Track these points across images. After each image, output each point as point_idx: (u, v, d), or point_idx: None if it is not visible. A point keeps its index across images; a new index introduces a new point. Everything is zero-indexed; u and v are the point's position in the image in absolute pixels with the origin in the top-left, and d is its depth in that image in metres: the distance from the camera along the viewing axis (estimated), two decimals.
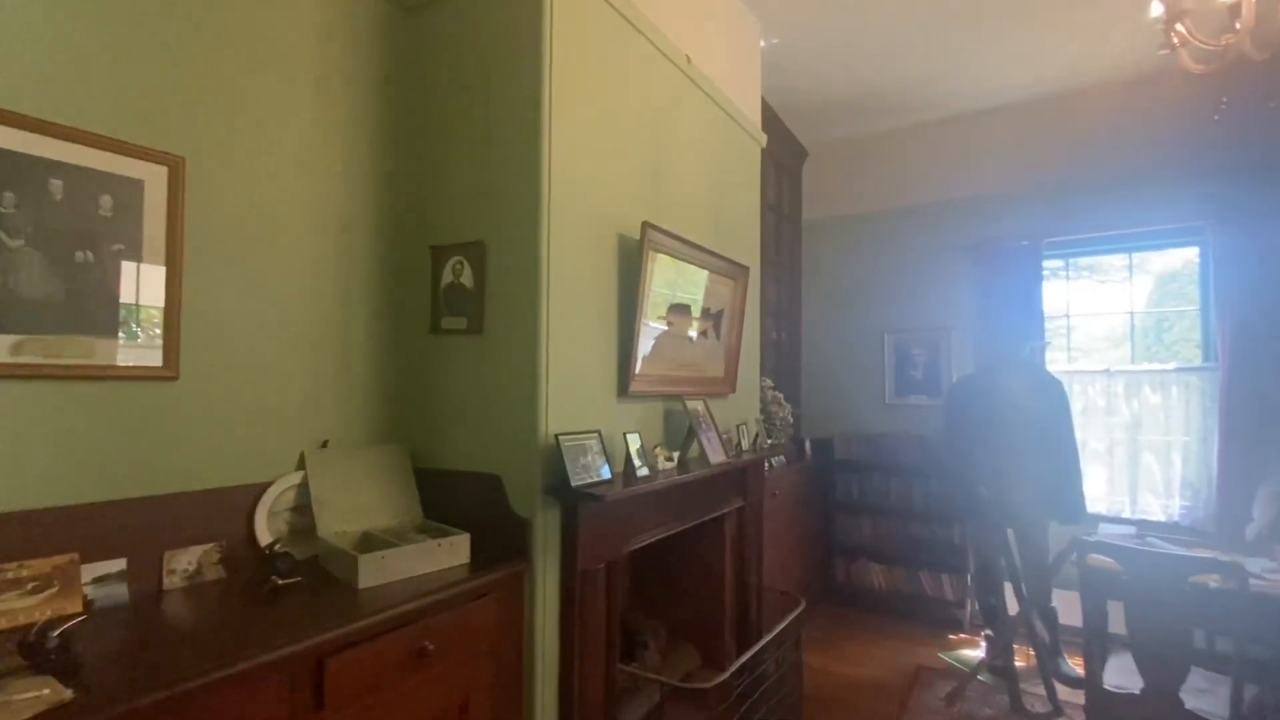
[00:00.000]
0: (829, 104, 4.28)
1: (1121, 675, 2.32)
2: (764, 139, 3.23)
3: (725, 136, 2.88)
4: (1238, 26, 1.57)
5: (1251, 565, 2.81)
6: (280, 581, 1.50)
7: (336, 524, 1.76)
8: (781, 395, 3.56)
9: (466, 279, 1.88)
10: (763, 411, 3.38)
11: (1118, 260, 4.10)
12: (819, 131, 4.72)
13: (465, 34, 1.98)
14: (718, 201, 2.80)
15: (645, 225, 2.01)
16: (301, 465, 1.78)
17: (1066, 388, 3.41)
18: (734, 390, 2.85)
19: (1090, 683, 2.36)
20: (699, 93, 2.61)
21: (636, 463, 1.93)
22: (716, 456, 2.32)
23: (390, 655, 1.41)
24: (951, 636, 3.94)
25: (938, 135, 4.52)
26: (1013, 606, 3.32)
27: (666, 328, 2.36)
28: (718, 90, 2.75)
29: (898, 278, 4.65)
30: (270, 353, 1.75)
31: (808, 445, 4.60)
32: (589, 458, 1.79)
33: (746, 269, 2.77)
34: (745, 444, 2.86)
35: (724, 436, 2.58)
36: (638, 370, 2.17)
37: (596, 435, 1.86)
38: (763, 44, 3.31)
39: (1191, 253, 3.84)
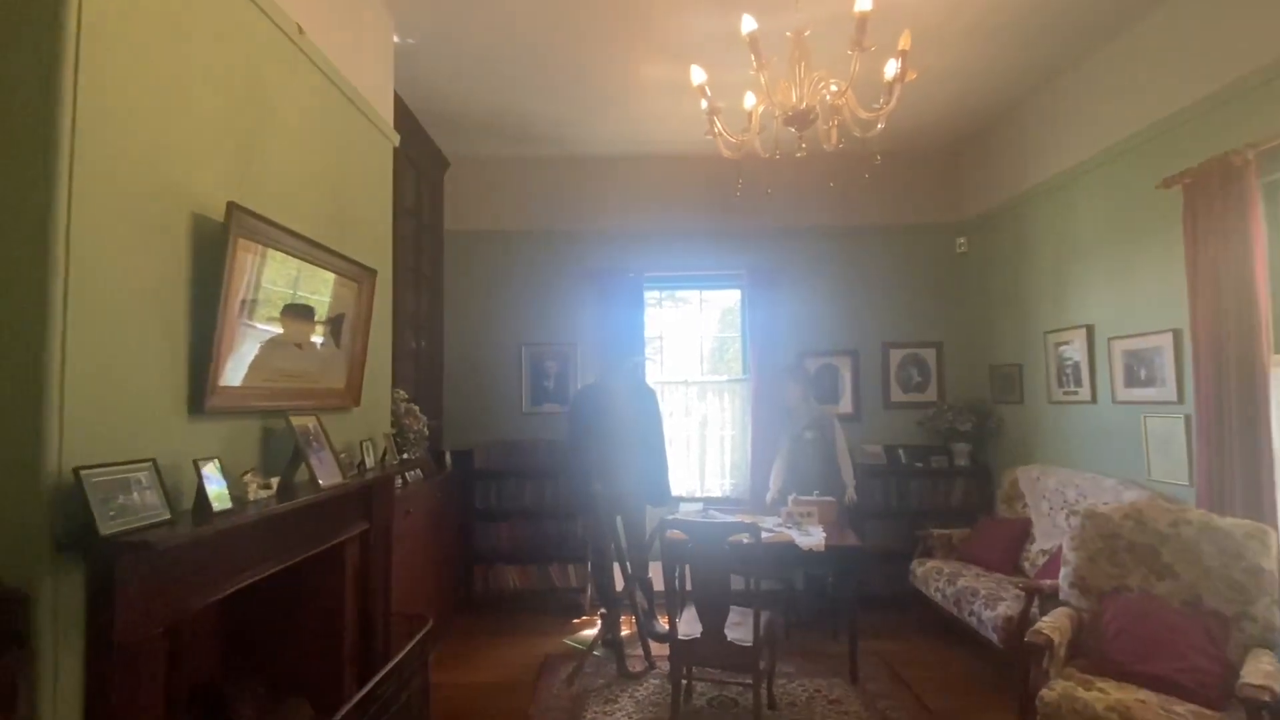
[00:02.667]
0: (471, 119, 4.34)
1: (690, 624, 2.89)
2: (397, 138, 3.08)
3: (349, 127, 2.64)
4: (755, 130, 2.19)
5: (767, 523, 3.85)
6: None
7: None
8: (417, 407, 3.42)
9: None
10: (395, 425, 3.20)
11: (695, 294, 5.22)
12: (462, 144, 4.75)
13: None
14: (339, 196, 2.55)
15: (232, 207, 1.69)
16: None
17: (659, 395, 4.16)
18: (358, 404, 2.62)
19: (671, 635, 2.89)
20: (315, 71, 2.33)
21: (214, 495, 1.59)
22: (330, 478, 2.08)
23: None
24: (575, 621, 4.35)
25: (570, 170, 5.03)
26: (620, 584, 3.85)
27: (279, 332, 2.04)
28: (340, 75, 2.51)
29: (533, 295, 4.99)
30: None
31: (448, 457, 4.54)
32: (136, 495, 1.39)
33: (374, 272, 2.58)
34: (371, 461, 2.65)
35: (343, 455, 2.34)
36: (223, 381, 1.80)
37: (150, 465, 1.46)
38: (397, 40, 3.17)
39: (737, 294, 5.12)
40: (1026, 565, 3.70)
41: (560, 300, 4.98)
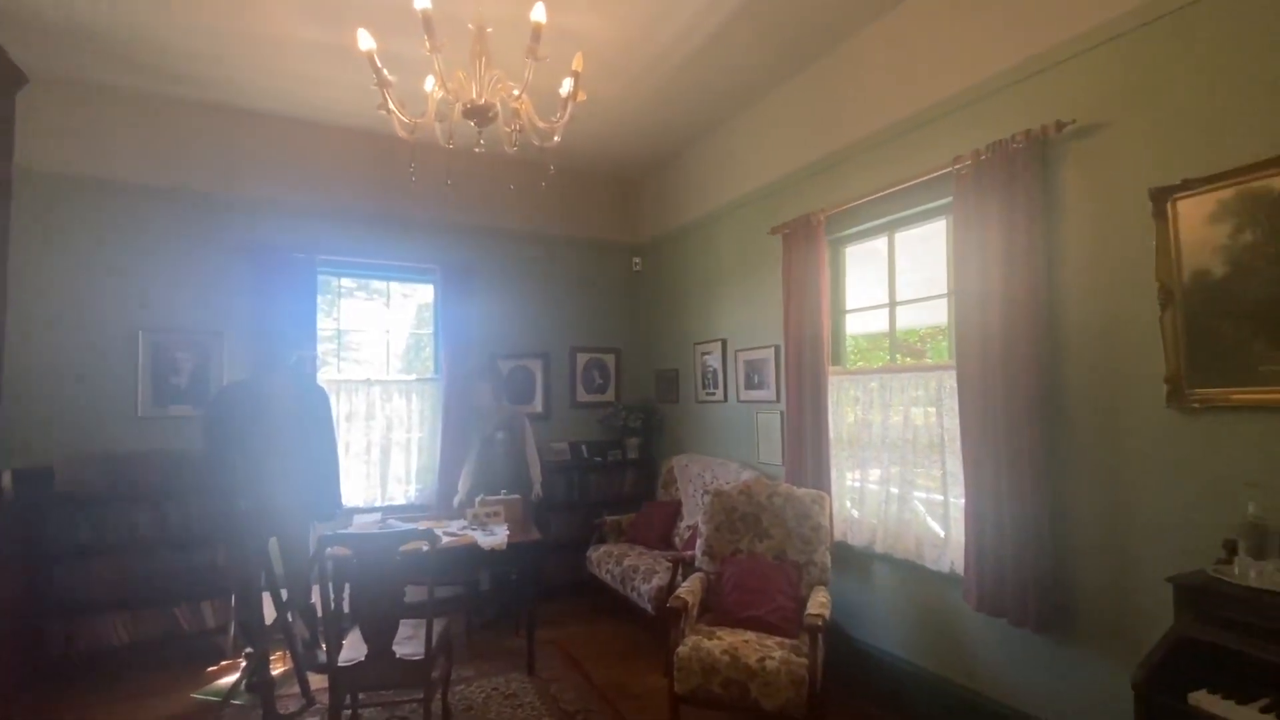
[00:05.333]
0: (70, 29, 3.27)
1: (353, 649, 2.63)
2: None
3: None
4: (432, 116, 2.12)
5: (451, 526, 3.76)
6: None
7: None
8: None
9: None
10: None
11: (392, 286, 4.82)
12: (53, 58, 3.55)
13: None
14: None
15: None
16: None
17: (332, 396, 3.72)
18: None
19: (329, 664, 2.59)
20: None
21: None
22: None
23: None
24: (211, 669, 3.61)
25: (218, 121, 4.15)
26: (272, 616, 3.32)
27: None
28: None
29: (160, 268, 3.99)
30: None
31: (8, 478, 3.33)
32: None
33: None
34: None
35: None
36: None
37: None
38: None
39: (430, 289, 4.89)
40: (677, 540, 4.33)
41: (201, 278, 4.08)
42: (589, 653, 3.79)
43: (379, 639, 2.56)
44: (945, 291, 3.03)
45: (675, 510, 4.51)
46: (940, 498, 2.96)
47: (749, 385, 4.16)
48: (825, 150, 3.53)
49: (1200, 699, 1.62)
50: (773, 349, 3.92)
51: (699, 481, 4.32)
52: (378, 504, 4.46)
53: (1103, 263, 2.32)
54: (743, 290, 4.27)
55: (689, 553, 3.61)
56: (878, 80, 3.23)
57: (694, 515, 4.26)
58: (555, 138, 2.19)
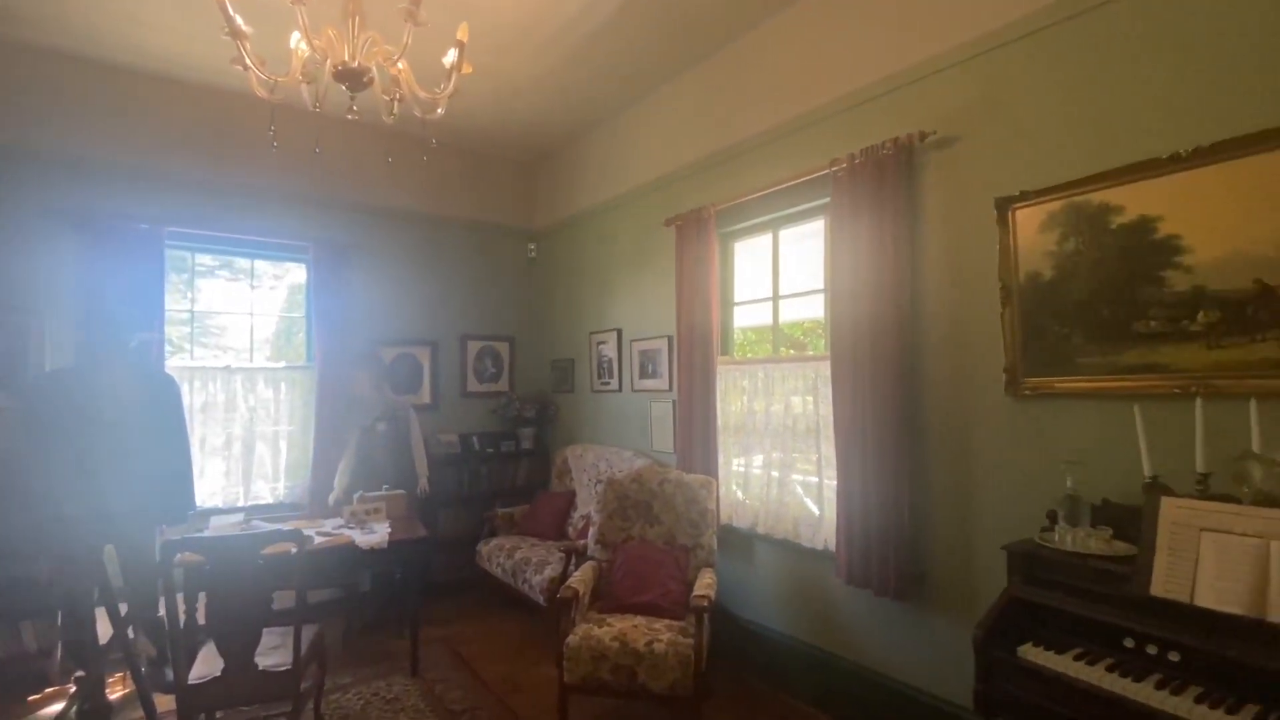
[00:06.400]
0: None
1: (208, 664, 2.39)
2: None
3: None
4: (297, 75, 1.92)
5: (326, 525, 3.51)
6: None
7: None
8: None
9: None
10: None
11: (260, 266, 4.38)
12: None
13: None
14: None
15: None
16: None
17: (182, 384, 3.32)
18: None
19: (177, 683, 2.33)
20: None
21: None
22: None
23: None
24: (33, 698, 3.14)
25: (41, 66, 3.55)
26: (110, 633, 2.94)
27: None
28: None
29: None
30: None
31: None
32: None
33: None
34: None
35: None
36: None
37: None
38: None
39: (303, 269, 4.51)
40: (571, 531, 4.31)
41: (11, 248, 3.49)
42: (479, 650, 3.69)
43: (238, 651, 2.33)
44: (822, 287, 3.21)
45: (569, 500, 4.48)
46: (816, 480, 3.15)
47: (643, 374, 4.20)
48: (718, 145, 3.62)
49: (1027, 651, 1.84)
50: (666, 339, 3.98)
51: (593, 471, 4.32)
52: (240, 504, 4.06)
53: (957, 263, 2.55)
54: (638, 280, 4.30)
55: (582, 542, 3.60)
56: (767, 81, 3.34)
57: (588, 505, 4.26)
58: (439, 110, 2.06)
